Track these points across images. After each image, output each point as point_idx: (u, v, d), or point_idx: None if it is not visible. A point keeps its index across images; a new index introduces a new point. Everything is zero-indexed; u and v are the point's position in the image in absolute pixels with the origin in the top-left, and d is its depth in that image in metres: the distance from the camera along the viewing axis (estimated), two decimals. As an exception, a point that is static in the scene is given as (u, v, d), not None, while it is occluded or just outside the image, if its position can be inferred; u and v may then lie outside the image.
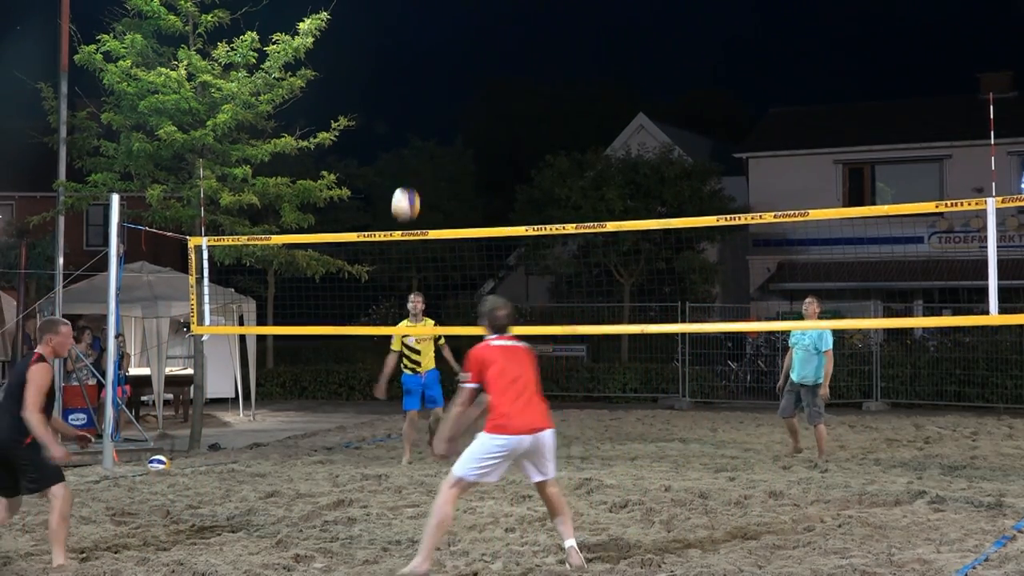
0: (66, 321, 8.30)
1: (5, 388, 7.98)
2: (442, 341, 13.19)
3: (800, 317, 13.38)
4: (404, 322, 13.16)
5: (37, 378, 7.58)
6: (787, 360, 13.42)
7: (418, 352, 12.89)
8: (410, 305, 12.90)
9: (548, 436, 7.35)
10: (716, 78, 70.52)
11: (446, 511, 7.15)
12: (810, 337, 12.97)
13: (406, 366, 12.98)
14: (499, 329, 7.57)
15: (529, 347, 7.66)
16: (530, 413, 7.29)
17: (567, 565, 7.27)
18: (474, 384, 7.37)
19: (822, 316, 13.40)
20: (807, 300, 13.09)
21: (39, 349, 7.84)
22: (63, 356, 8.67)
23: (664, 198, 26.81)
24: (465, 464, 7.23)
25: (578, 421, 18.52)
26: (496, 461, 7.21)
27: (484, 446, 7.21)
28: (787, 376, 13.30)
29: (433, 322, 13.28)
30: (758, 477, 11.25)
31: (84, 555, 7.81)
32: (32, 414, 7.51)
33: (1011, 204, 10.95)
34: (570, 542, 7.35)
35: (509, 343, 7.54)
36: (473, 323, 8.46)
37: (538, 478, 7.37)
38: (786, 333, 15.73)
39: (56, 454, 7.56)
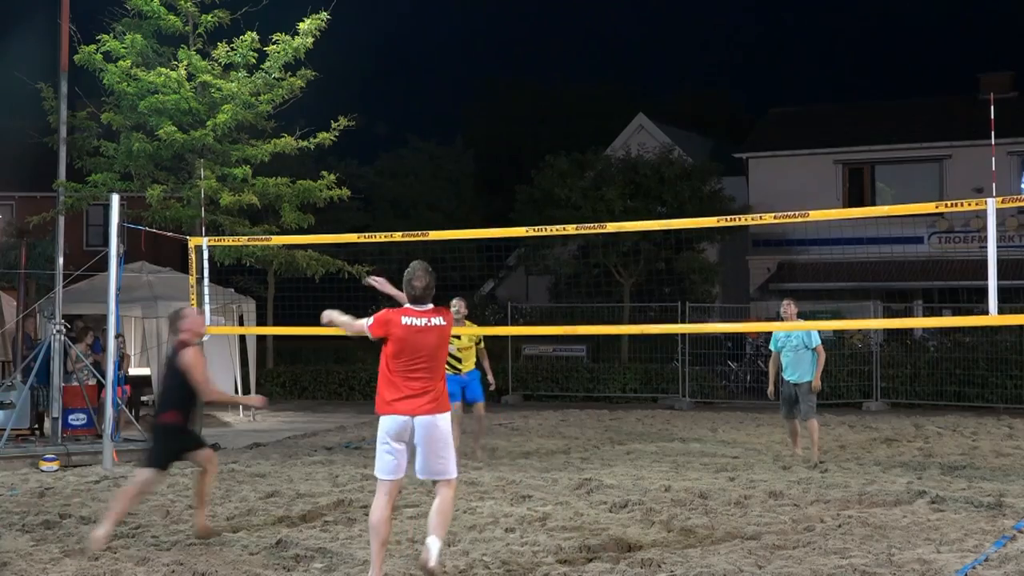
0: (186, 307, 9.13)
1: (163, 383, 8.65)
2: (482, 345, 13.30)
3: (800, 317, 13.39)
4: None
5: (192, 361, 8.19)
6: (772, 365, 13.38)
7: (459, 360, 12.99)
8: (453, 309, 12.71)
9: (439, 420, 6.82)
10: (716, 78, 70.62)
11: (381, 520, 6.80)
12: (797, 337, 12.90)
13: (448, 367, 13.00)
14: (416, 300, 6.98)
15: (446, 322, 7.01)
16: (417, 398, 6.79)
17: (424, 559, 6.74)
18: (378, 335, 6.90)
19: (819, 316, 13.43)
20: (784, 302, 13.11)
21: (180, 338, 8.39)
22: (203, 335, 9.10)
23: (664, 198, 26.81)
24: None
25: (578, 421, 18.52)
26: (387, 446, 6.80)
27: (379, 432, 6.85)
28: (776, 381, 13.29)
29: (475, 325, 13.38)
30: (758, 477, 11.24)
31: (84, 554, 7.80)
32: (208, 391, 8.35)
33: (1011, 204, 10.95)
34: (432, 539, 6.73)
35: (420, 321, 6.88)
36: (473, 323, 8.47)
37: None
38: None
39: (255, 401, 9.31)
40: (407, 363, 6.81)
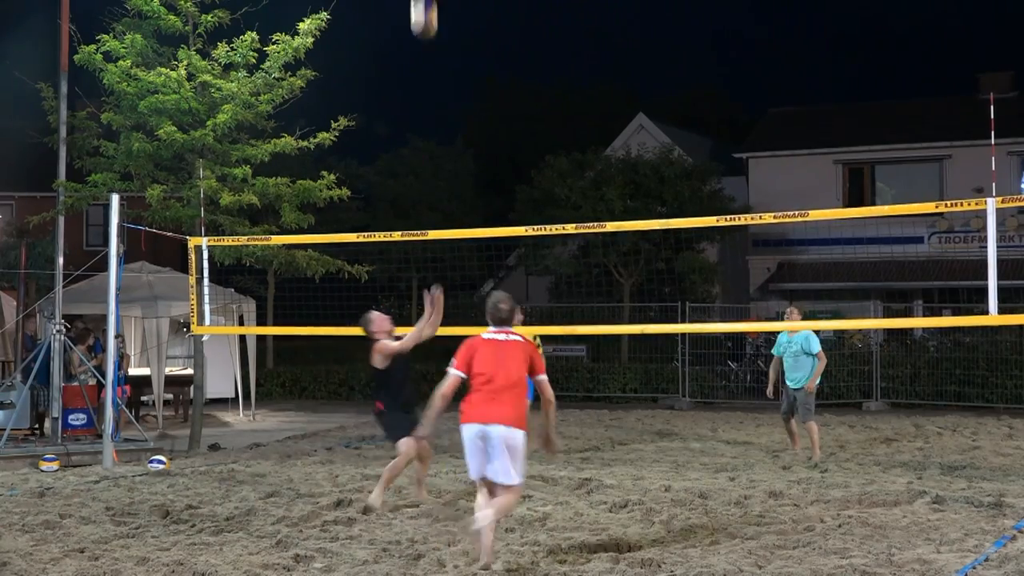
0: (372, 312, 10.15)
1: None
2: (538, 342, 13.34)
3: (800, 317, 13.48)
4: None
5: (378, 347, 9.77)
6: (773, 369, 13.58)
7: None
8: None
9: (509, 434, 7.27)
10: (716, 78, 70.62)
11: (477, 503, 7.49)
12: (797, 343, 13.10)
13: None
14: (498, 321, 7.61)
15: (523, 340, 7.60)
16: (491, 406, 7.32)
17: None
18: (460, 372, 7.46)
19: (819, 316, 13.52)
20: (788, 310, 13.49)
21: (373, 338, 9.88)
22: (391, 330, 10.01)
23: (664, 198, 26.81)
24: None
25: (578, 421, 18.51)
26: (469, 450, 7.42)
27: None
28: (776, 383, 13.44)
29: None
30: (758, 477, 11.25)
31: (84, 554, 7.81)
32: (406, 345, 9.67)
33: (1011, 204, 10.95)
34: (486, 512, 7.24)
35: (500, 336, 7.52)
36: (472, 323, 8.53)
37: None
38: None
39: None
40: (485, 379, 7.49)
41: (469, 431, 7.37)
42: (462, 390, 7.52)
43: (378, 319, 10.02)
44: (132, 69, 14.54)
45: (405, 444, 9.62)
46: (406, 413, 9.69)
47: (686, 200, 26.50)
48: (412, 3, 9.41)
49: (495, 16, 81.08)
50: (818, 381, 13.13)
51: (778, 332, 13.91)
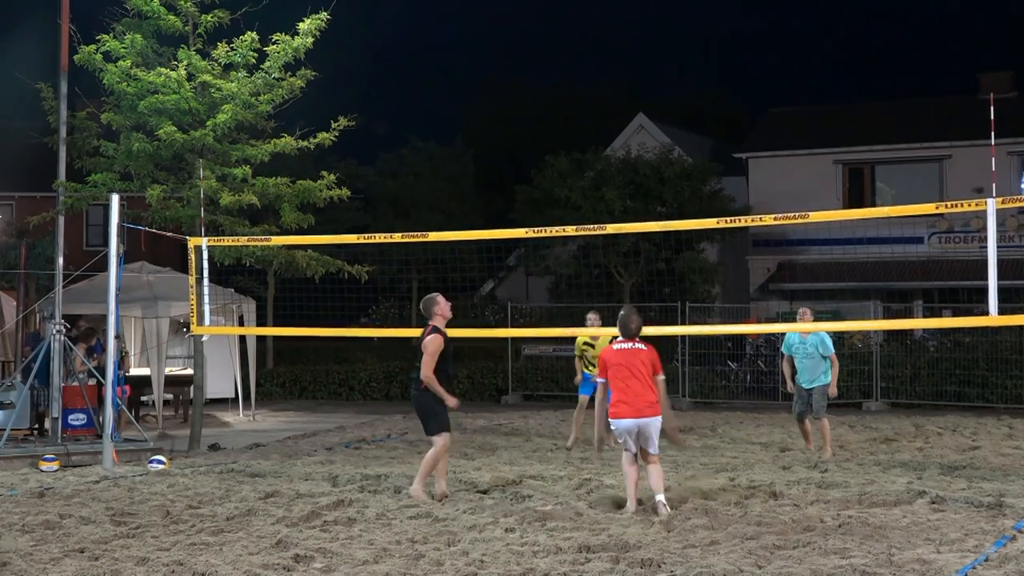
0: (436, 294, 10.31)
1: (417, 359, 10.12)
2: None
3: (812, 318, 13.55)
4: (585, 334, 14.12)
5: (431, 347, 9.90)
6: (786, 366, 13.65)
7: (594, 364, 13.48)
8: (589, 322, 14.02)
9: (652, 422, 9.26)
10: (716, 78, 70.62)
11: (629, 472, 9.42)
12: (812, 344, 13.26)
13: (586, 367, 14.45)
14: (627, 335, 9.60)
15: (647, 348, 9.53)
16: (634, 402, 9.27)
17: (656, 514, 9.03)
18: (603, 379, 9.47)
19: (821, 317, 13.56)
20: (801, 311, 13.57)
21: (432, 322, 10.09)
22: (449, 317, 10.30)
23: (664, 198, 26.82)
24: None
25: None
26: (623, 438, 9.38)
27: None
28: (792, 379, 13.53)
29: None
30: (758, 477, 11.24)
31: (84, 554, 7.81)
32: (427, 372, 9.85)
33: (1011, 204, 10.94)
34: (659, 496, 9.23)
35: (628, 346, 9.51)
36: (472, 324, 8.68)
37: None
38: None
39: (451, 403, 9.94)
40: (622, 380, 9.44)
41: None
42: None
43: (444, 302, 10.27)
44: (132, 69, 14.54)
45: (444, 438, 9.99)
46: (444, 406, 10.01)
47: (686, 200, 26.51)
48: None
49: (495, 16, 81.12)
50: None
51: (777, 333, 13.96)
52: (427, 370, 9.89)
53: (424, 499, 9.90)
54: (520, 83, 52.15)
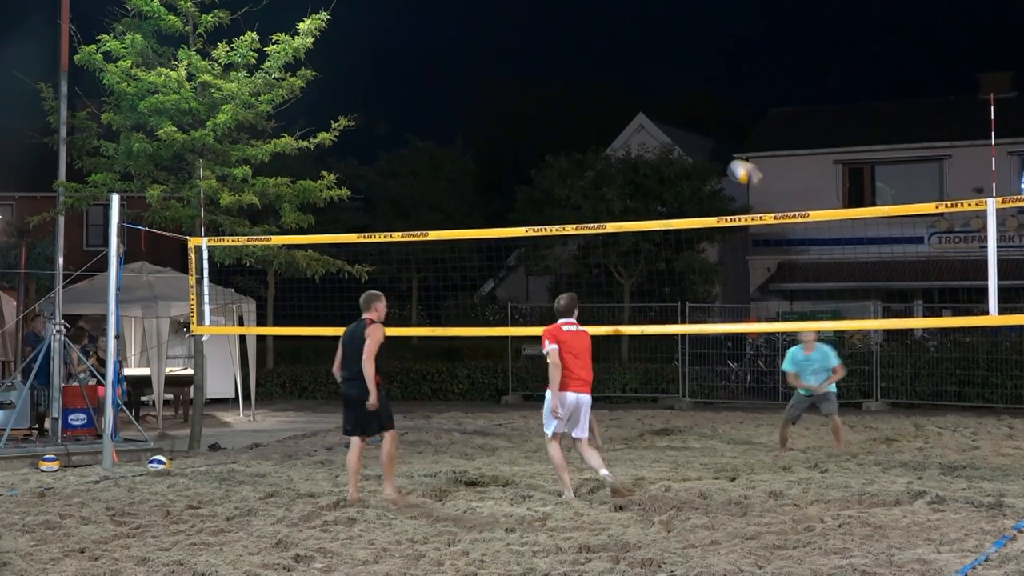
0: (380, 293, 10.34)
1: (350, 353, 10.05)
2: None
3: (800, 317, 13.55)
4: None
5: (377, 334, 9.87)
6: (791, 380, 13.91)
7: None
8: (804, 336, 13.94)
9: (589, 400, 10.06)
10: (716, 78, 70.54)
11: (556, 455, 10.10)
12: (816, 361, 13.60)
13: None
14: (562, 314, 10.14)
15: (585, 331, 10.21)
16: (586, 379, 10.06)
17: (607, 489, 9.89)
18: (555, 346, 9.90)
19: (819, 316, 13.59)
20: (805, 335, 13.88)
21: (368, 315, 10.05)
22: (384, 320, 10.25)
23: (664, 198, 26.80)
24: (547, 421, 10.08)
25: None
26: (562, 415, 9.91)
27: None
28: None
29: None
30: (758, 477, 11.24)
31: (84, 555, 7.81)
32: (368, 364, 9.69)
33: (1011, 204, 10.94)
34: (603, 471, 9.99)
35: (575, 328, 10.10)
36: (472, 324, 8.73)
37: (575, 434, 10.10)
38: (787, 333, 15.76)
39: (372, 400, 9.72)
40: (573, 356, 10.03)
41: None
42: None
43: (384, 303, 10.32)
44: (132, 69, 14.54)
45: (393, 433, 10.11)
46: (386, 399, 10.10)
47: (686, 200, 26.49)
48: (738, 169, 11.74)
49: (495, 16, 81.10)
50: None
51: (777, 333, 14.00)
52: (369, 357, 9.74)
53: (402, 499, 9.81)
54: (520, 83, 52.14)
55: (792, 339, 15.62)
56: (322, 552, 7.78)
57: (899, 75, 68.16)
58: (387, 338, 10.10)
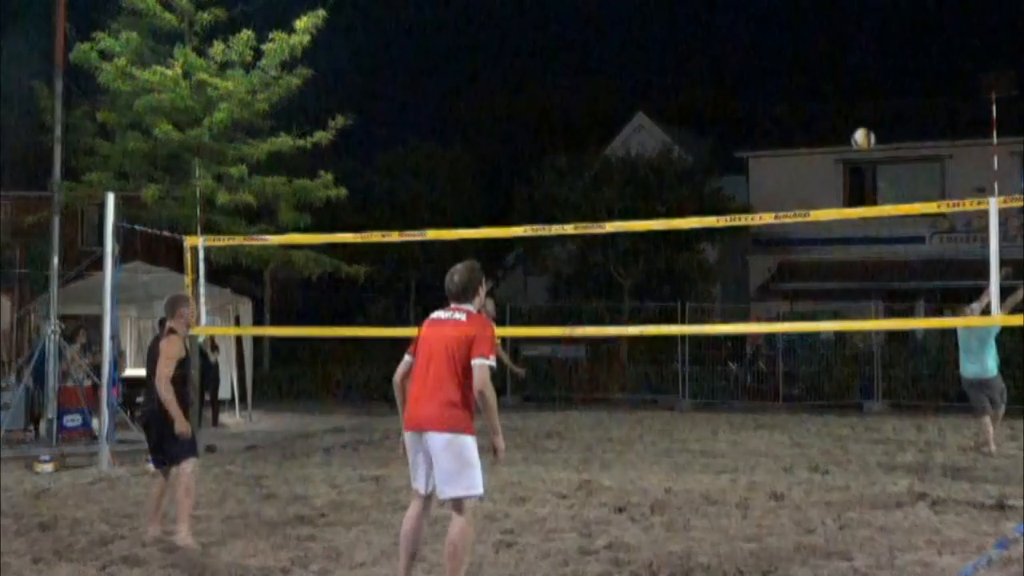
0: (187, 295, 9.00)
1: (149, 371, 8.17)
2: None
3: (800, 318, 13.44)
4: None
5: (170, 349, 7.91)
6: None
7: None
8: None
9: (440, 439, 6.06)
10: (716, 78, 70.48)
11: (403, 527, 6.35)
12: (978, 337, 13.60)
13: None
14: (451, 297, 6.29)
15: (469, 318, 6.18)
16: (422, 406, 6.06)
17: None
18: (409, 357, 6.32)
19: (819, 316, 13.49)
20: None
21: (171, 323, 8.12)
22: (190, 327, 8.54)
23: (664, 198, 26.73)
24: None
25: (577, 423, 18.44)
26: (411, 458, 6.19)
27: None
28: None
29: None
30: (759, 478, 11.19)
31: (80, 556, 7.73)
32: (162, 384, 7.81)
33: (1012, 204, 10.86)
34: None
35: (444, 314, 6.21)
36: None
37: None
38: (787, 334, 15.61)
39: (181, 427, 7.81)
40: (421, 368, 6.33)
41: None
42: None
43: (190, 307, 8.47)
44: (128, 67, 14.48)
45: (194, 464, 8.09)
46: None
47: (685, 200, 26.41)
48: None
49: (495, 16, 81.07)
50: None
51: (777, 333, 13.87)
52: (163, 379, 7.80)
53: (195, 544, 7.89)
54: (520, 83, 52.15)
55: (792, 339, 15.47)
56: (321, 553, 7.71)
57: (899, 75, 68.17)
58: (187, 352, 8.19)
